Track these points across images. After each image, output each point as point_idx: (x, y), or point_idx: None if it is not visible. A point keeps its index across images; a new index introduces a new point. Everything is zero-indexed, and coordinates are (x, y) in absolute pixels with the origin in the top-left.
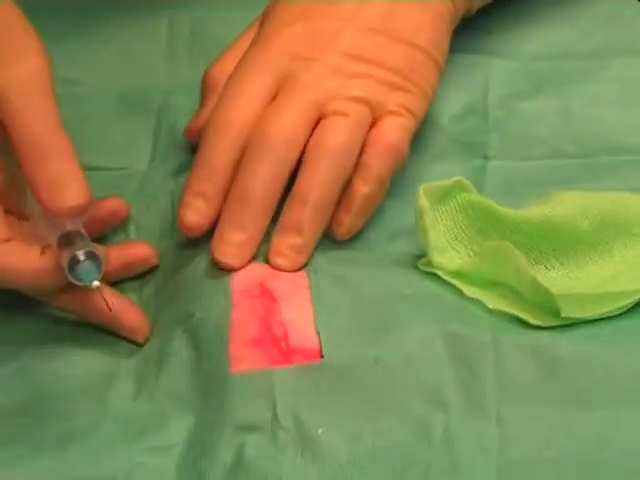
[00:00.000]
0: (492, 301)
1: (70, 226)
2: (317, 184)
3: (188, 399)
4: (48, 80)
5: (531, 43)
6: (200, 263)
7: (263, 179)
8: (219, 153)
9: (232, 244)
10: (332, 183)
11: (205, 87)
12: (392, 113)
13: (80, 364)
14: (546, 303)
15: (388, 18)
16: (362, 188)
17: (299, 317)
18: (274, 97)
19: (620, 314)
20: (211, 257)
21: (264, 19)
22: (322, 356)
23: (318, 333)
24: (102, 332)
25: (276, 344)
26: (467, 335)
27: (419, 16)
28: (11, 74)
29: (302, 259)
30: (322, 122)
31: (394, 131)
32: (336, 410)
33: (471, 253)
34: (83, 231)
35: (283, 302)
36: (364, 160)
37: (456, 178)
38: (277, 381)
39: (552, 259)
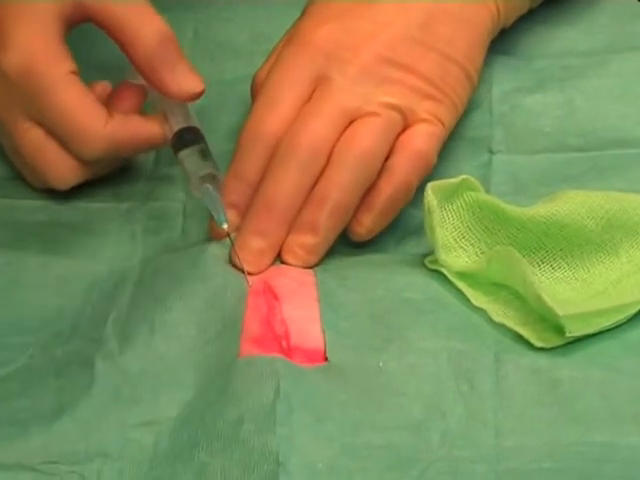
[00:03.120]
0: (497, 312)
1: (191, 122)
2: (338, 186)
3: (183, 373)
4: None
5: (534, 41)
6: (212, 248)
7: (289, 188)
8: (251, 164)
9: (252, 251)
10: (354, 186)
11: (252, 92)
12: (424, 120)
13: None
14: (550, 316)
15: (426, 27)
16: (386, 189)
17: (301, 315)
18: (309, 99)
19: (624, 327)
20: (230, 262)
21: (301, 17)
22: (326, 358)
23: (323, 332)
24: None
25: (277, 343)
26: (470, 352)
27: (457, 29)
28: None
29: (313, 259)
30: (353, 125)
31: (424, 138)
32: (335, 403)
33: (478, 251)
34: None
35: (285, 300)
36: (391, 164)
37: (463, 176)
38: (281, 367)
39: (559, 259)
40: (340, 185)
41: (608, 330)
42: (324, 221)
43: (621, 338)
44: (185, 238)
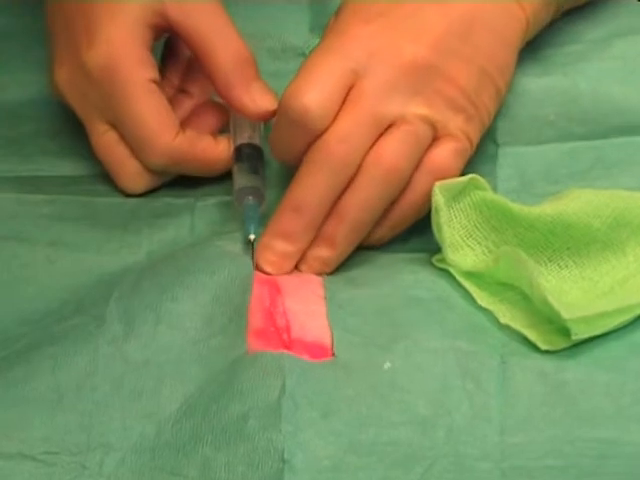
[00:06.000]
0: (504, 313)
1: (256, 141)
2: (363, 203)
3: (186, 366)
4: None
5: (539, 33)
6: (220, 243)
7: (319, 194)
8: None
9: (277, 253)
10: (378, 203)
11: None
12: (453, 137)
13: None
14: (557, 319)
15: (466, 37)
16: (402, 205)
17: (304, 309)
18: (346, 89)
19: (630, 328)
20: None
21: (337, 15)
22: (333, 354)
23: (330, 329)
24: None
25: (278, 335)
26: (476, 353)
27: (494, 42)
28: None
29: (327, 270)
30: (384, 136)
31: (450, 157)
32: (341, 399)
33: (485, 250)
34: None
35: (288, 293)
36: (413, 181)
37: (470, 176)
38: (287, 364)
39: (566, 257)
40: (364, 202)
41: (614, 331)
42: (343, 236)
43: (627, 339)
44: (193, 236)
